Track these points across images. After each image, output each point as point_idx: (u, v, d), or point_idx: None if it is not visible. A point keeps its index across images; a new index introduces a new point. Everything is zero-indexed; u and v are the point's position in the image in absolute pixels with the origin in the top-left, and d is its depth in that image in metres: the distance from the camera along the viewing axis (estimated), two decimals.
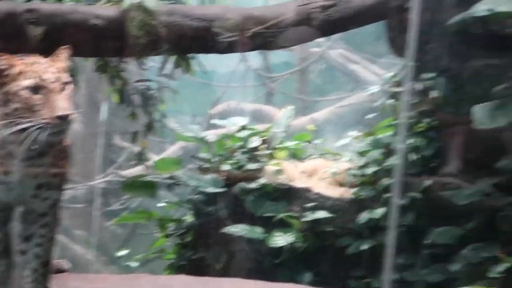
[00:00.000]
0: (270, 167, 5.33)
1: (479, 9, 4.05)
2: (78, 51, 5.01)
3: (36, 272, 3.26)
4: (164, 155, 8.78)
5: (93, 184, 9.56)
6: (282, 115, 5.91)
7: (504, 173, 4.43)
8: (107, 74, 5.90)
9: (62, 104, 3.03)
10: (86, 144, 10.23)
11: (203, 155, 5.72)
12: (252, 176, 5.26)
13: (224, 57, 5.17)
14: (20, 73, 3.08)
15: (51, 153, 3.18)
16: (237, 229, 4.92)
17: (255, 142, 5.57)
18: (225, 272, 4.74)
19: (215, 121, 6.35)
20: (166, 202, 5.64)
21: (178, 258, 5.22)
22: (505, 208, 4.37)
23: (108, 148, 10.43)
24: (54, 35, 4.53)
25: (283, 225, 4.93)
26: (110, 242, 9.94)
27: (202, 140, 5.68)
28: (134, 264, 5.55)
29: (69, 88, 3.14)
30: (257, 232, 4.89)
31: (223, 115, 7.43)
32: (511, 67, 4.45)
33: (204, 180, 5.27)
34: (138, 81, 6.16)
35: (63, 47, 3.28)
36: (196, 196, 5.31)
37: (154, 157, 6.25)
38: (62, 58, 3.23)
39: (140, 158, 6.26)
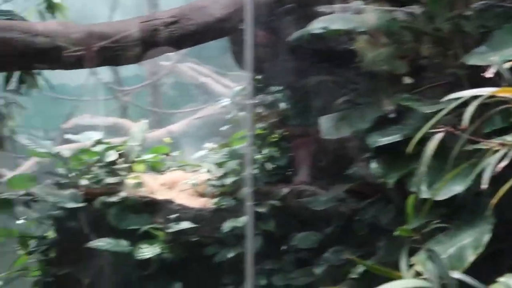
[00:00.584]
0: (130, 180, 5.39)
1: (315, 27, 4.19)
2: None
3: None
4: (18, 171, 8.50)
5: None
6: (137, 129, 5.95)
7: (354, 180, 4.71)
8: None
9: None
10: None
11: (59, 170, 5.66)
12: (112, 190, 5.28)
13: (73, 71, 5.17)
14: None
15: None
16: (102, 243, 4.93)
17: (112, 156, 5.58)
18: (92, 287, 4.74)
19: (69, 136, 6.28)
20: (25, 219, 5.53)
21: (43, 275, 5.14)
22: (359, 212, 4.64)
23: None
24: None
25: (148, 237, 4.99)
26: None
27: (56, 156, 5.62)
28: None
29: None
30: (122, 245, 4.93)
31: (77, 129, 7.33)
32: (348, 81, 4.70)
33: (63, 196, 5.24)
34: None
35: None
36: (56, 212, 5.25)
37: (8, 173, 6.10)
38: None
39: None
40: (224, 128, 5.84)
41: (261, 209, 4.90)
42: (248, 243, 4.40)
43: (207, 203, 5.20)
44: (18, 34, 4.72)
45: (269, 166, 5.21)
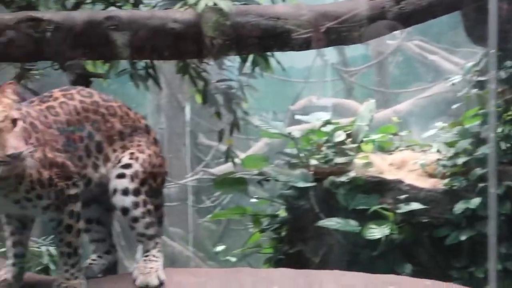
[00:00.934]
0: (358, 160, 5.38)
1: None
2: (158, 55, 5.20)
3: None
4: (249, 152, 8.87)
5: (184, 183, 9.72)
6: (365, 109, 5.93)
7: None
8: (188, 76, 6.05)
9: (12, 142, 3.13)
10: (172, 144, 10.43)
11: (289, 150, 5.79)
12: (341, 170, 5.31)
13: (300, 53, 5.22)
14: None
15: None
16: (331, 223, 4.98)
17: (340, 136, 5.61)
18: (323, 265, 4.80)
19: (299, 116, 6.40)
20: (257, 198, 5.73)
21: (275, 252, 5.30)
22: None
23: (195, 147, 10.60)
24: (135, 41, 4.70)
25: (377, 218, 4.97)
26: (206, 238, 10.11)
27: (287, 136, 5.74)
28: (232, 259, 5.67)
29: (19, 124, 3.22)
30: (351, 225, 4.95)
31: (305, 111, 7.47)
32: None
33: (293, 176, 5.33)
34: (219, 81, 6.27)
35: (8, 82, 3.34)
36: (287, 191, 5.39)
37: (240, 155, 6.35)
38: (9, 94, 3.28)
39: (227, 155, 6.39)
40: (455, 106, 5.64)
41: (496, 191, 4.66)
42: (490, 225, 4.27)
43: (437, 183, 5.08)
44: (253, 18, 4.84)
45: (504, 145, 4.94)
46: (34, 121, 3.39)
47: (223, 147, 6.47)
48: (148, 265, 3.63)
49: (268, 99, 9.11)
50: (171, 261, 8.75)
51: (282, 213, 5.50)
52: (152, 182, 3.70)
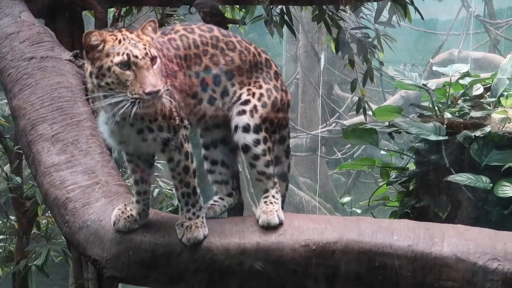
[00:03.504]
0: (496, 115, 5.13)
1: None
2: (293, 0, 5.13)
3: None
4: (384, 104, 8.70)
5: (315, 133, 9.74)
6: (508, 61, 5.64)
7: None
8: (323, 23, 5.96)
9: (151, 80, 3.17)
10: (306, 95, 10.44)
11: (423, 103, 5.61)
12: (476, 124, 5.08)
13: (444, 4, 5.01)
14: (111, 48, 3.22)
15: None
16: (462, 178, 4.77)
17: (478, 89, 5.39)
18: (450, 222, 4.61)
19: (436, 68, 6.17)
20: (386, 150, 5.60)
21: (401, 206, 5.16)
22: None
23: (328, 97, 10.56)
24: None
25: (511, 175, 4.73)
26: (334, 189, 10.11)
27: (422, 88, 5.55)
28: (358, 210, 5.61)
29: (157, 62, 3.25)
30: (483, 181, 4.72)
31: (445, 64, 7.21)
32: None
33: (426, 128, 5.13)
34: (354, 28, 6.15)
35: (148, 20, 3.36)
36: (418, 144, 5.22)
37: (373, 107, 6.22)
38: (149, 32, 3.32)
39: (358, 106, 6.28)
40: None
41: None
42: None
43: None
44: None
45: None
46: (158, 53, 3.43)
47: (357, 99, 6.37)
48: (269, 206, 3.64)
49: (408, 51, 8.89)
50: (298, 210, 8.75)
51: (412, 166, 5.36)
52: (274, 117, 3.69)
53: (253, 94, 3.66)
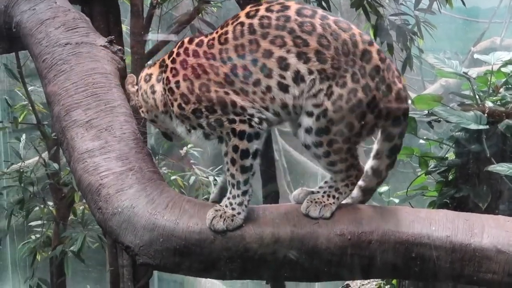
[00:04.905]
0: None
1: None
2: None
3: None
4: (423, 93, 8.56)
5: None
6: None
7: None
8: (362, 9, 5.88)
9: None
10: None
11: (464, 92, 5.50)
12: None
13: None
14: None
15: None
16: (503, 168, 4.65)
17: None
18: (489, 212, 4.52)
19: (478, 55, 6.05)
20: (425, 139, 5.50)
21: (440, 196, 5.07)
22: None
23: None
24: None
25: None
26: None
27: (463, 76, 5.43)
28: (396, 200, 5.54)
29: None
30: None
31: (486, 52, 7.05)
32: None
33: (466, 117, 5.02)
34: (393, 15, 6.05)
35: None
36: (458, 133, 5.12)
37: (412, 96, 6.11)
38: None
39: None
40: None
41: None
42: None
43: None
44: None
45: None
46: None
47: None
48: (323, 197, 3.53)
49: (448, 39, 8.72)
50: None
51: (451, 155, 5.25)
52: (352, 120, 3.36)
53: (331, 94, 3.33)
